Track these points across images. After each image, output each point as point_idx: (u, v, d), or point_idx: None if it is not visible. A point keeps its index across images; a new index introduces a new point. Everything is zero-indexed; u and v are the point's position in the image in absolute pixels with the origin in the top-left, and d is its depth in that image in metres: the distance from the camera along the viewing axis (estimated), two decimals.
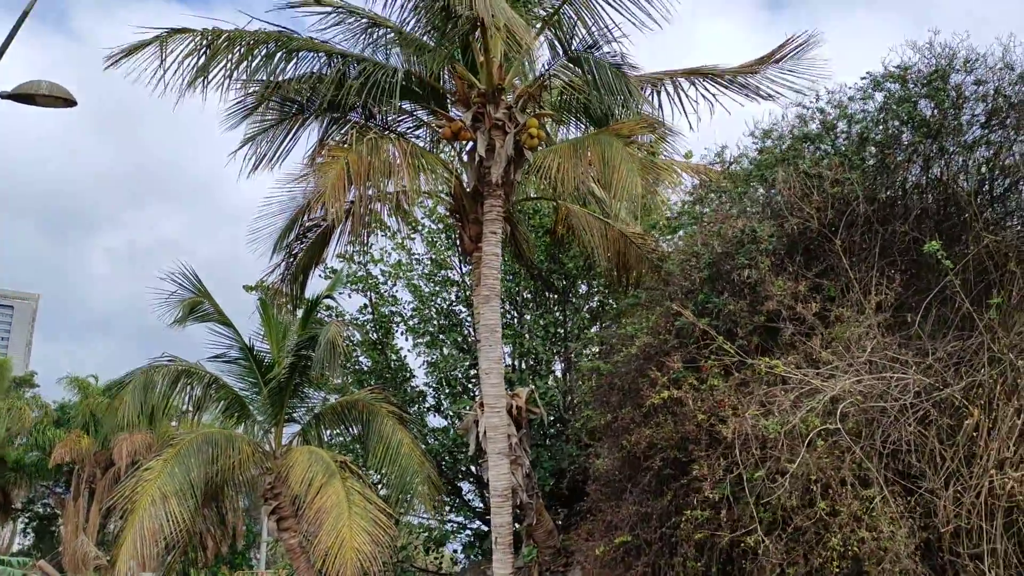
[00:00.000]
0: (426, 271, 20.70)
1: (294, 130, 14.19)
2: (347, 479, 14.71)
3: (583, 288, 20.10)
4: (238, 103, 13.62)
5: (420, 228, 20.58)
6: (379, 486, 16.24)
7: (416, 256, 20.69)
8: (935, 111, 10.35)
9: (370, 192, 12.67)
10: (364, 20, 14.27)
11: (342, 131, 14.11)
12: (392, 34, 14.46)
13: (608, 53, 13.83)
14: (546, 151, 14.40)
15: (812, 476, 8.03)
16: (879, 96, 11.31)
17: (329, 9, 14.08)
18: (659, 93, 15.33)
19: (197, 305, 15.66)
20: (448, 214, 19.81)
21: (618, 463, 11.59)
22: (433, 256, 20.68)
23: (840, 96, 11.71)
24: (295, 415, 16.74)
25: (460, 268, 20.86)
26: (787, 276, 10.20)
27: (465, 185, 14.92)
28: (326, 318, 18.97)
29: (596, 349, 17.90)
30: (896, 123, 10.59)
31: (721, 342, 9.68)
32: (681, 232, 14.57)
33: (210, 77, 12.81)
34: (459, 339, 19.87)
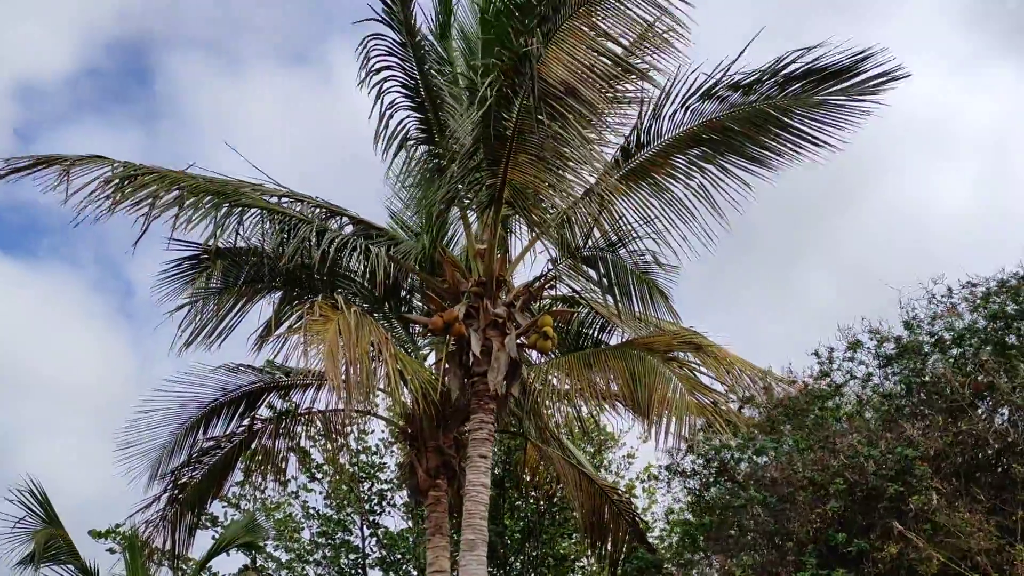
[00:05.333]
0: (321, 530, 16.79)
1: (241, 303, 10.88)
2: None
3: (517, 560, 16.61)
4: (175, 264, 10.38)
5: (320, 477, 16.88)
6: None
7: (312, 510, 16.80)
8: None
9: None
10: (321, 210, 11.58)
11: (298, 312, 10.96)
12: (356, 225, 11.83)
13: (634, 251, 11.62)
14: (544, 365, 11.67)
15: None
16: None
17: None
18: None
19: (51, 540, 11.11)
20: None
21: None
22: (332, 513, 16.86)
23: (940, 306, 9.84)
24: None
25: (362, 530, 17.07)
26: (964, 504, 7.57)
27: (427, 402, 11.75)
28: None
29: None
30: None
31: None
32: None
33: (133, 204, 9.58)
34: None
